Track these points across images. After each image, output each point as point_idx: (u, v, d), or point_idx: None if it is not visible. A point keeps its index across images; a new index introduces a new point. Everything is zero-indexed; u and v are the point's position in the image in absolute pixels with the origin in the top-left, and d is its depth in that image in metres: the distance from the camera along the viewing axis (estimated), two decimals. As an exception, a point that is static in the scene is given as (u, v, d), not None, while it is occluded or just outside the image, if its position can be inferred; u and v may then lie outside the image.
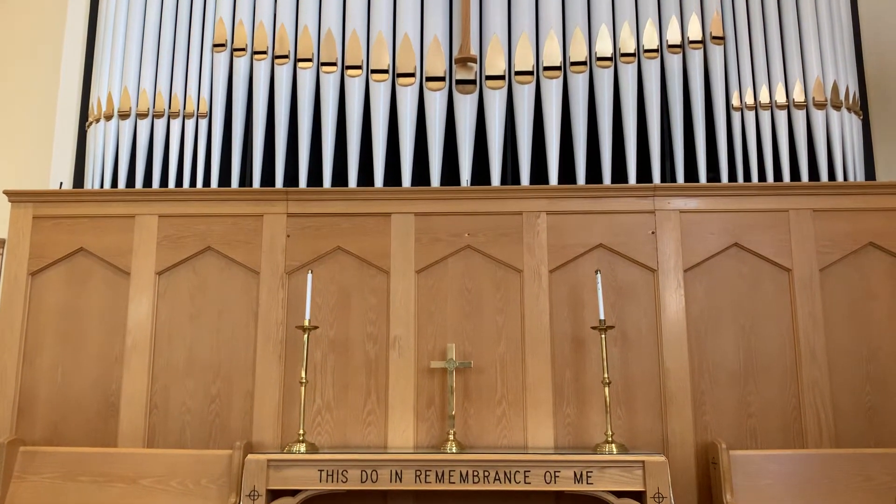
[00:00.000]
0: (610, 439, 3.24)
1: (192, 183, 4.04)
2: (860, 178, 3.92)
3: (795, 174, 3.96)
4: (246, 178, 4.06)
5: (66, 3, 4.52)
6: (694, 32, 4.03)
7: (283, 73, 4.05)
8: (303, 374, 3.40)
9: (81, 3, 4.54)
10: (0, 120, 4.88)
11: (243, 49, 4.10)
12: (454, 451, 3.28)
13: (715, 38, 4.03)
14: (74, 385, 3.64)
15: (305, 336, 3.44)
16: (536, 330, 3.57)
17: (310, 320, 3.47)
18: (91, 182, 4.02)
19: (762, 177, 3.98)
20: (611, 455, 3.14)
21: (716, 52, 4.01)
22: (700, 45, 4.01)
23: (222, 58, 4.10)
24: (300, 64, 4.05)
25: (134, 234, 3.78)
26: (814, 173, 3.97)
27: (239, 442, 3.35)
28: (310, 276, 3.52)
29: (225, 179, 4.10)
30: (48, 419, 3.61)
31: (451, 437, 3.36)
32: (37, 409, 3.62)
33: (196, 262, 3.76)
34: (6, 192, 3.84)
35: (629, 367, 3.55)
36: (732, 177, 4.00)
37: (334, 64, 4.05)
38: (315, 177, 4.06)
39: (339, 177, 4.06)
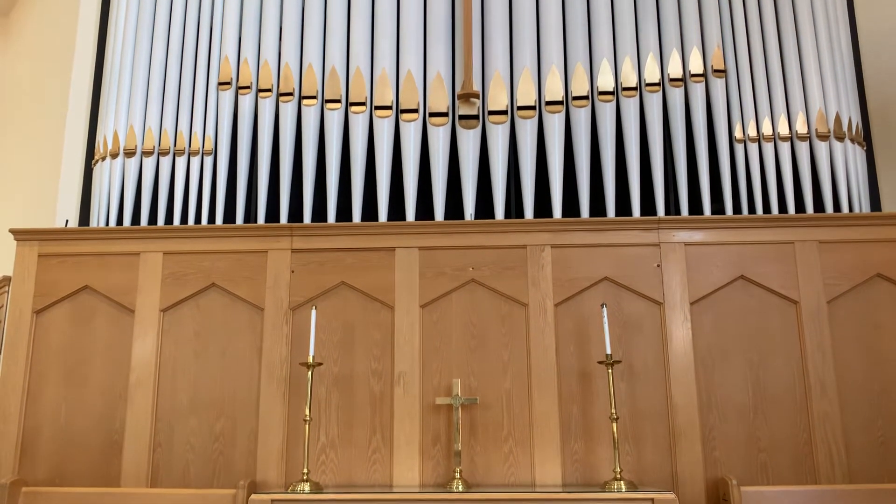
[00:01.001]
0: (618, 476, 3.19)
1: (198, 220, 4.06)
2: (865, 209, 3.91)
3: (800, 206, 3.96)
4: (250, 215, 4.08)
5: (73, 43, 4.58)
6: (695, 66, 4.05)
7: (288, 110, 4.08)
8: (307, 412, 3.37)
9: (89, 42, 4.60)
10: (7, 159, 4.93)
11: (248, 87, 4.14)
12: (460, 489, 3.23)
13: (717, 71, 4.05)
14: (78, 423, 3.62)
15: (309, 373, 3.42)
16: (543, 365, 3.54)
17: (314, 357, 3.45)
18: (97, 220, 4.04)
19: (767, 208, 3.97)
20: (619, 493, 3.08)
21: (718, 85, 4.03)
22: (702, 79, 4.04)
23: (227, 96, 4.15)
24: (305, 101, 4.09)
25: (139, 272, 3.79)
26: (819, 205, 3.96)
27: (243, 481, 3.31)
28: (314, 312, 3.51)
29: (230, 216, 4.12)
30: (51, 458, 3.58)
31: (458, 475, 3.31)
32: (40, 448, 3.60)
33: (200, 298, 3.75)
34: (12, 231, 3.86)
35: (637, 401, 3.50)
36: (737, 209, 4.00)
37: (339, 101, 4.08)
38: (319, 213, 4.07)
39: (344, 212, 4.08)
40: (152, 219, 4.09)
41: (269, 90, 4.12)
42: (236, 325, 3.70)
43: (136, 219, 4.09)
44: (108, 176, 4.09)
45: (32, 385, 3.68)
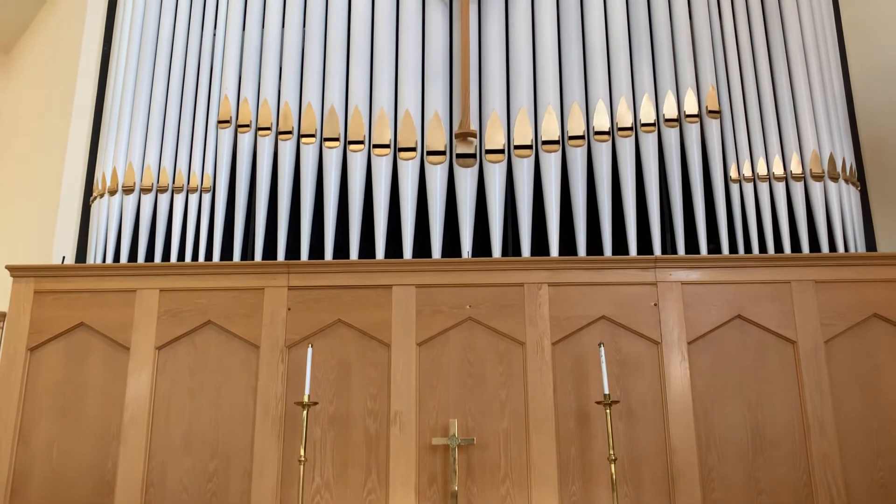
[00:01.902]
0: (617, 519, 3.15)
1: (195, 257, 4.06)
2: (861, 249, 3.93)
3: (796, 245, 3.98)
4: (248, 252, 4.08)
5: (74, 80, 4.63)
6: (690, 107, 4.10)
7: (287, 148, 4.11)
8: (302, 453, 3.33)
9: (89, 80, 4.64)
10: (6, 195, 4.93)
11: (247, 125, 4.18)
12: (457, 531, 3.18)
13: (711, 111, 4.10)
14: (70, 463, 3.57)
15: (305, 412, 3.39)
16: (540, 405, 3.52)
17: (309, 396, 3.42)
18: (93, 257, 4.04)
19: (763, 248, 3.99)
20: (618, 536, 3.04)
21: (712, 125, 4.08)
22: (697, 119, 4.08)
23: (227, 134, 4.18)
24: (303, 140, 4.12)
25: (135, 309, 3.77)
26: (814, 244, 3.98)
27: (236, 523, 3.27)
28: (310, 350, 3.49)
29: (227, 253, 4.12)
30: (42, 499, 3.52)
31: (454, 516, 3.27)
32: (30, 489, 3.54)
33: (196, 336, 3.73)
34: (8, 267, 3.85)
35: (635, 442, 3.48)
36: (733, 248, 4.01)
37: (337, 139, 4.11)
38: (317, 250, 4.08)
39: (341, 250, 4.08)
40: (149, 256, 4.09)
41: (269, 128, 4.15)
42: (232, 363, 3.68)
43: (133, 256, 4.09)
44: (105, 213, 4.09)
45: (25, 424, 3.64)
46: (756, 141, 4.08)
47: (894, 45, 4.43)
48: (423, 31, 4.30)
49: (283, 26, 4.39)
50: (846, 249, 3.91)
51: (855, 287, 3.63)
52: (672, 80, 4.18)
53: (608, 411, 3.34)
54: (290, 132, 4.15)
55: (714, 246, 4.04)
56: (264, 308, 3.73)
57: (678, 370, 3.55)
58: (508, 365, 3.60)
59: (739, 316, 3.62)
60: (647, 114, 4.10)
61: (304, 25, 4.38)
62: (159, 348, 3.71)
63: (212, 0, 4.50)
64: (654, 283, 3.68)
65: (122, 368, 3.69)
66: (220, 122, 4.20)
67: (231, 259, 4.05)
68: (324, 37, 4.34)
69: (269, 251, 4.09)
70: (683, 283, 3.67)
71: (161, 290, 3.79)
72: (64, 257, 4.21)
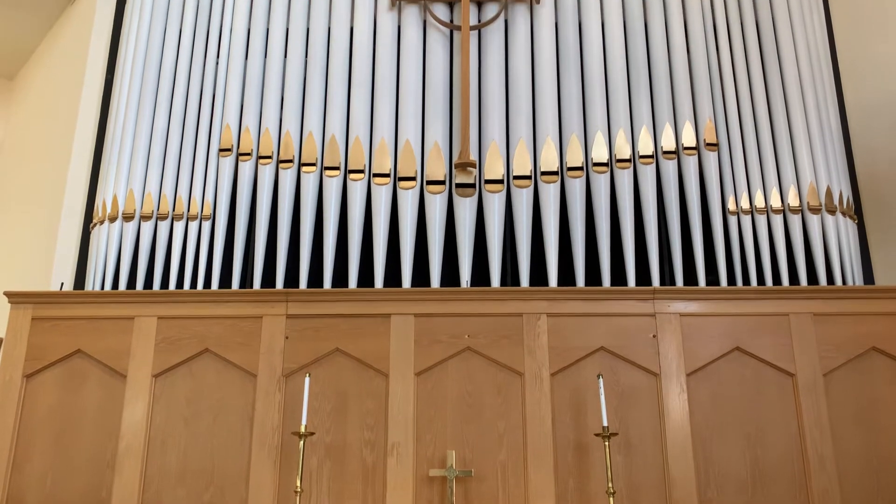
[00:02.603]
0: (616, 553, 3.12)
1: (193, 285, 4.06)
2: (858, 281, 3.94)
3: (794, 278, 3.99)
4: (247, 280, 4.08)
5: (76, 108, 4.66)
6: (688, 139, 4.14)
7: (288, 177, 4.13)
8: (298, 483, 3.30)
9: (92, 107, 4.68)
10: (6, 221, 4.94)
11: (249, 154, 4.20)
12: (454, 565, 3.15)
13: (709, 144, 4.13)
14: (64, 491, 3.53)
15: (301, 442, 3.36)
16: (538, 436, 3.49)
17: (306, 426, 3.40)
18: (92, 284, 4.04)
19: (761, 280, 3.99)
20: (617, 571, 3.01)
21: (710, 157, 4.11)
22: (694, 152, 4.11)
23: (227, 162, 4.20)
24: (304, 168, 4.14)
25: (132, 336, 3.76)
26: (812, 277, 3.99)
27: (230, 555, 3.23)
28: (307, 379, 3.48)
29: (226, 281, 4.12)
30: (33, 528, 3.49)
31: (451, 550, 3.23)
32: (22, 518, 3.51)
33: (193, 364, 3.72)
34: (6, 294, 3.84)
35: (633, 475, 3.45)
36: (731, 280, 4.02)
37: (337, 168, 4.14)
38: (316, 278, 4.08)
39: (340, 278, 4.08)
40: (148, 283, 4.09)
41: (270, 157, 4.18)
42: (228, 392, 3.66)
43: (131, 283, 4.08)
44: (105, 239, 4.10)
45: (19, 451, 3.61)
46: (754, 173, 4.11)
47: (889, 81, 4.48)
48: (424, 62, 4.35)
49: (285, 56, 4.43)
50: (844, 282, 3.92)
51: (853, 320, 3.63)
52: (670, 113, 4.21)
53: (607, 444, 3.32)
54: (290, 161, 4.17)
55: (712, 277, 4.05)
56: (262, 336, 3.72)
57: (677, 402, 3.53)
58: (507, 396, 3.58)
59: (738, 348, 3.62)
60: (645, 146, 4.13)
61: (306, 55, 4.42)
62: (156, 376, 3.69)
63: (215, 30, 4.56)
64: (652, 315, 3.68)
65: (119, 396, 3.67)
66: (221, 150, 4.23)
67: (230, 287, 4.05)
68: (326, 67, 4.39)
69: (268, 279, 4.09)
70: (682, 315, 3.67)
71: (159, 318, 3.78)
72: (62, 284, 4.21)
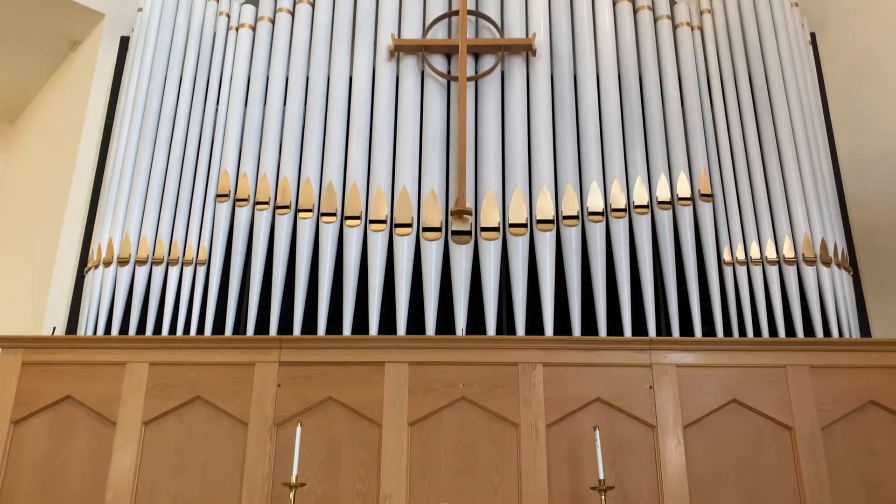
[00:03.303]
0: None
1: (187, 330, 4.03)
2: (855, 334, 3.93)
3: (790, 329, 3.97)
4: (240, 326, 4.05)
5: (76, 151, 4.67)
6: (683, 190, 4.17)
7: (284, 222, 4.14)
8: (288, 536, 3.23)
9: (91, 151, 4.70)
10: (1, 264, 4.92)
11: (246, 199, 4.21)
12: None
13: (703, 195, 4.16)
14: (47, 542, 3.45)
15: (292, 494, 3.30)
16: (534, 489, 3.43)
17: (297, 476, 3.33)
18: (84, 328, 4.00)
19: (757, 331, 3.98)
20: None
21: (705, 208, 4.13)
22: (689, 202, 4.14)
23: (224, 207, 4.21)
24: (301, 214, 4.15)
25: (124, 382, 3.71)
26: (808, 329, 3.97)
27: None
28: (298, 429, 3.43)
29: (219, 327, 4.09)
30: (14, 581, 3.39)
31: None
32: (3, 570, 3.41)
33: (184, 411, 3.67)
34: (-3, 338, 3.81)
35: (630, 530, 3.38)
36: (727, 331, 4.00)
37: (334, 214, 4.15)
38: (310, 325, 4.06)
39: (334, 324, 4.06)
40: (141, 328, 4.05)
41: (267, 203, 4.19)
42: (219, 441, 3.60)
43: (124, 328, 4.05)
44: (99, 284, 4.08)
45: (4, 499, 3.53)
46: (748, 224, 4.13)
47: (881, 134, 4.54)
48: (422, 111, 4.40)
49: (284, 103, 4.48)
50: (840, 334, 3.91)
51: (850, 373, 3.60)
52: (665, 164, 4.25)
53: (603, 497, 3.26)
54: (287, 207, 4.18)
55: (708, 328, 4.03)
56: (254, 384, 3.68)
57: (674, 455, 3.48)
58: (502, 447, 3.53)
59: (735, 400, 3.58)
60: (640, 196, 4.16)
61: (305, 103, 4.47)
62: (146, 423, 3.64)
63: (215, 76, 4.61)
64: (648, 366, 3.65)
65: (108, 443, 3.60)
66: (218, 195, 4.24)
67: (223, 333, 4.03)
68: (324, 114, 4.43)
69: (262, 325, 4.06)
70: (678, 366, 3.65)
71: (151, 364, 3.74)
72: (54, 328, 4.18)
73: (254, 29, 4.75)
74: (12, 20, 4.95)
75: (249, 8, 4.81)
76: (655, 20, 4.71)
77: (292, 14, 4.75)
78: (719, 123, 4.40)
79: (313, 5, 4.75)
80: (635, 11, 4.72)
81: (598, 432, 3.39)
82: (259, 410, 3.62)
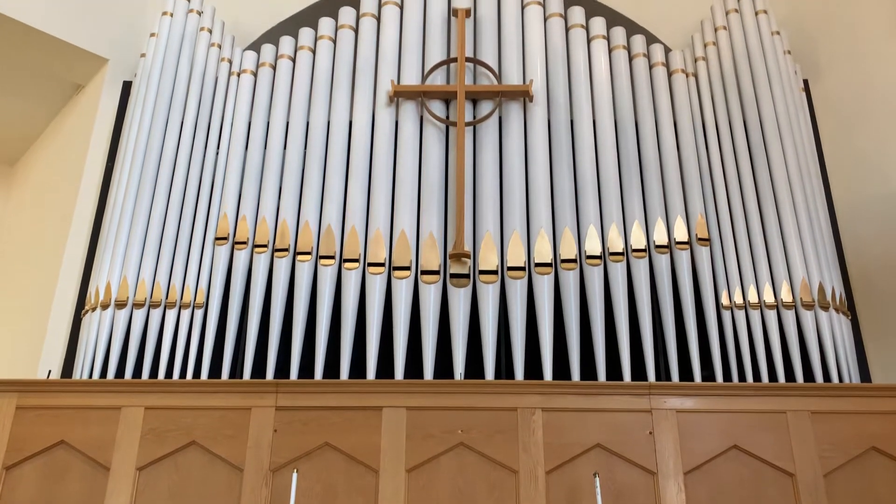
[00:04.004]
0: None
1: (183, 374, 4.00)
2: (855, 379, 3.91)
3: (790, 374, 3.96)
4: (237, 370, 4.03)
5: (75, 195, 4.70)
6: (680, 234, 4.19)
7: (282, 265, 4.15)
8: (282, 586, 3.16)
9: (90, 194, 4.73)
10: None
11: (244, 242, 4.23)
12: None
13: (701, 239, 4.19)
14: None
15: (288, 542, 3.24)
16: (533, 538, 3.38)
17: (293, 524, 3.28)
18: (80, 372, 3.97)
19: (757, 376, 3.97)
20: None
21: (703, 252, 4.15)
22: (687, 246, 4.16)
23: (223, 250, 4.22)
24: (299, 257, 4.16)
25: (118, 427, 3.66)
26: (808, 373, 3.96)
27: None
28: (294, 476, 3.38)
29: (215, 371, 4.06)
30: None
31: None
32: None
33: (179, 457, 3.61)
34: (-8, 382, 3.77)
35: (632, 580, 3.32)
36: (727, 375, 3.99)
37: (332, 257, 4.16)
38: (307, 369, 4.03)
39: (332, 368, 4.03)
40: (137, 372, 4.03)
41: (265, 246, 4.20)
42: (214, 487, 3.54)
43: (120, 371, 4.02)
44: (96, 327, 4.06)
45: (-8, 548, 3.47)
46: (746, 269, 4.14)
47: (876, 179, 4.59)
48: (420, 155, 4.45)
49: (284, 147, 4.53)
50: (840, 379, 3.89)
51: (852, 419, 3.57)
52: (662, 208, 4.29)
53: (604, 547, 3.21)
54: (286, 249, 4.19)
55: (708, 373, 4.01)
56: (250, 429, 3.64)
57: (675, 502, 3.43)
58: (501, 494, 3.48)
59: (736, 446, 3.54)
60: (637, 240, 4.18)
61: (305, 147, 4.52)
62: (140, 469, 3.58)
63: (216, 120, 4.67)
64: (648, 411, 3.63)
65: (101, 489, 3.54)
66: (217, 238, 4.26)
67: (219, 377, 4.00)
68: (324, 158, 4.48)
69: (259, 369, 4.03)
70: (678, 411, 3.62)
71: (146, 408, 3.70)
72: (50, 371, 4.15)
73: (255, 74, 4.82)
74: (16, 64, 5.01)
75: (251, 54, 4.89)
76: (651, 67, 4.79)
77: (293, 60, 4.82)
78: (715, 168, 4.45)
79: (314, 52, 4.83)
80: (631, 59, 4.81)
81: (598, 479, 3.35)
82: (255, 456, 3.57)
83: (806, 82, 5.05)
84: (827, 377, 3.91)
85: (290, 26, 5.07)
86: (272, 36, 5.06)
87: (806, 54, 5.15)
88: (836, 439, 3.54)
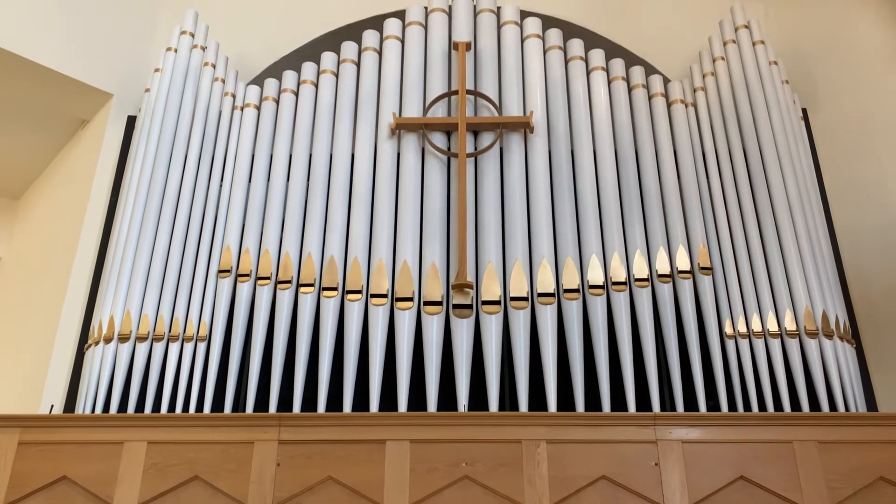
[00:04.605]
0: None
1: (186, 407, 3.99)
2: (861, 407, 3.88)
3: (795, 403, 3.93)
4: (240, 403, 4.01)
5: (79, 229, 4.72)
6: (682, 263, 4.19)
7: (285, 297, 4.15)
8: None
9: (94, 229, 4.75)
10: (1, 341, 4.90)
11: (247, 275, 4.24)
12: None
13: (703, 268, 4.19)
14: None
15: (291, 579, 3.20)
16: (539, 573, 3.33)
17: (296, 561, 3.25)
18: (83, 406, 3.96)
19: (762, 405, 3.94)
20: None
21: (705, 281, 4.15)
22: (689, 275, 4.16)
23: (226, 283, 4.23)
24: (302, 289, 4.17)
25: (121, 462, 3.63)
26: (814, 402, 3.93)
27: None
28: (299, 510, 3.35)
29: (219, 404, 4.05)
30: None
31: None
32: None
33: (181, 492, 3.58)
34: (-6, 417, 3.76)
35: None
36: (732, 405, 3.96)
37: (335, 289, 4.16)
38: (310, 401, 4.01)
39: (335, 401, 4.01)
40: (140, 406, 4.01)
41: (268, 278, 4.21)
42: (216, 523, 3.51)
43: (123, 405, 4.01)
44: (99, 361, 4.06)
45: (-8, 587, 3.43)
46: (749, 297, 4.14)
47: (877, 208, 4.60)
48: (422, 186, 4.47)
49: (287, 180, 4.56)
50: (846, 408, 3.86)
51: (859, 448, 3.54)
52: (663, 237, 4.30)
53: (611, 581, 3.16)
54: (289, 281, 4.20)
55: (713, 402, 3.99)
56: (253, 463, 3.61)
57: (682, 535, 3.39)
58: (506, 528, 3.44)
59: (742, 477, 3.50)
60: (640, 269, 4.18)
61: (308, 179, 4.55)
62: (142, 505, 3.56)
63: (219, 155, 4.71)
64: (654, 442, 3.59)
65: (101, 527, 3.52)
66: (220, 271, 4.27)
67: (222, 410, 3.98)
68: (327, 190, 4.51)
69: (262, 402, 4.02)
70: (684, 442, 3.59)
71: (149, 443, 3.68)
72: (52, 406, 4.13)
73: (258, 108, 4.87)
74: (22, 99, 5.07)
75: (254, 88, 4.94)
76: (650, 98, 4.84)
77: (296, 94, 4.88)
78: (716, 197, 4.46)
79: (317, 86, 4.89)
80: (630, 90, 4.86)
81: (604, 512, 3.31)
82: (258, 490, 3.54)
83: (805, 111, 5.09)
84: (833, 406, 3.89)
85: (293, 61, 5.14)
86: (275, 70, 5.13)
87: (804, 84, 5.20)
88: (843, 469, 3.50)
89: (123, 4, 5.40)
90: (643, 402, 3.99)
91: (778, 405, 3.93)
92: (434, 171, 4.50)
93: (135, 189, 4.52)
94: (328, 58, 4.96)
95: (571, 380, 3.94)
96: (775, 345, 4.00)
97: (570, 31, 5.17)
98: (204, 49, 5.00)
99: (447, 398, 4.01)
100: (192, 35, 5.00)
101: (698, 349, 3.99)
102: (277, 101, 4.88)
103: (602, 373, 3.93)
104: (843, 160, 4.86)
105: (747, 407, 3.92)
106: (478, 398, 3.99)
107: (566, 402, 3.99)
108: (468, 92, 4.69)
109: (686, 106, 4.84)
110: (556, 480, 3.51)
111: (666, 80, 4.97)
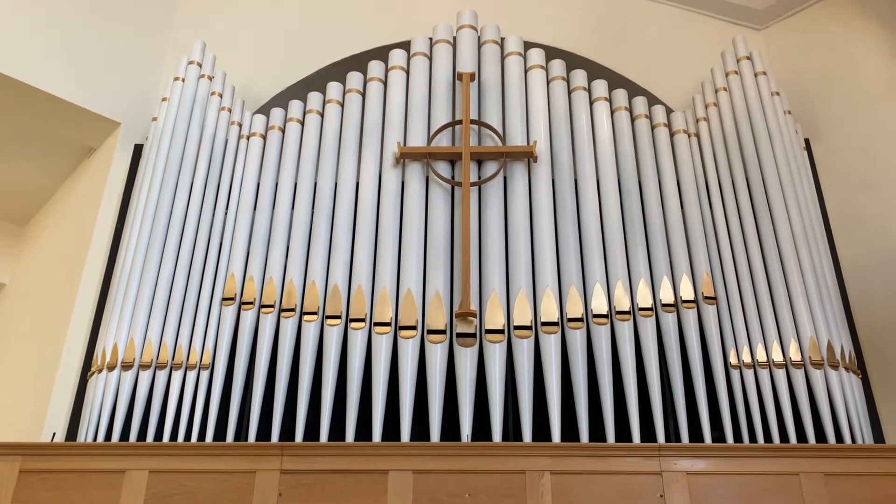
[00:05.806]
0: None
1: (188, 436, 3.96)
2: (868, 439, 3.85)
3: (801, 433, 3.89)
4: (242, 432, 3.99)
5: (84, 256, 4.74)
6: (686, 292, 4.19)
7: (289, 325, 4.15)
8: None
9: (99, 258, 4.76)
10: (3, 368, 4.90)
11: (251, 303, 4.24)
12: None
13: (707, 298, 4.18)
14: None
15: None
16: None
17: None
18: (85, 434, 3.94)
19: (767, 436, 3.91)
20: None
21: (709, 311, 4.14)
22: (693, 305, 4.15)
23: (230, 311, 4.23)
24: (306, 317, 4.17)
25: (122, 491, 3.61)
26: (819, 433, 3.90)
27: None
28: (301, 541, 3.32)
29: (221, 432, 4.02)
30: None
31: None
32: None
33: (182, 522, 3.56)
34: (-5, 445, 3.74)
35: None
36: (737, 436, 3.93)
37: (339, 317, 4.16)
38: (312, 430, 3.98)
39: (337, 430, 3.98)
40: (142, 434, 3.99)
41: (272, 306, 4.21)
42: (217, 554, 3.47)
43: (125, 434, 3.99)
44: (102, 388, 4.05)
45: None
46: (754, 327, 4.12)
47: (881, 238, 4.60)
48: (426, 215, 4.49)
49: (292, 208, 4.58)
50: (853, 440, 3.83)
51: (866, 481, 3.50)
52: (667, 267, 4.29)
53: None
54: (292, 309, 4.20)
55: (718, 433, 3.96)
56: (255, 493, 3.58)
57: (688, 569, 3.35)
58: (509, 561, 3.40)
59: (749, 510, 3.48)
60: (644, 298, 4.18)
61: (312, 208, 4.57)
62: (142, 535, 3.53)
63: (225, 183, 4.74)
64: (659, 473, 3.56)
65: (101, 557, 3.48)
66: (224, 299, 4.27)
67: (224, 439, 3.96)
68: (331, 219, 4.52)
69: (264, 430, 3.99)
70: (689, 473, 3.55)
71: (150, 472, 3.65)
72: (54, 434, 4.12)
73: (264, 137, 4.91)
74: (30, 127, 5.12)
75: (260, 117, 4.99)
76: (653, 128, 4.87)
77: (302, 123, 4.92)
78: (719, 227, 4.47)
79: (322, 115, 4.93)
80: (633, 120, 4.89)
81: (608, 545, 3.27)
82: (259, 521, 3.51)
83: (807, 141, 5.12)
84: (839, 437, 3.85)
85: (299, 90, 5.19)
86: (281, 100, 5.18)
87: (806, 114, 5.23)
88: (851, 502, 3.46)
89: (132, 34, 5.48)
90: (647, 433, 3.95)
91: (784, 436, 3.90)
92: (438, 200, 4.52)
93: (140, 217, 4.55)
94: (334, 88, 5.02)
95: (575, 410, 3.91)
96: (780, 375, 3.98)
97: (573, 61, 5.22)
98: (211, 79, 5.06)
99: (450, 428, 3.98)
100: (200, 65, 5.06)
101: (703, 379, 3.97)
102: (283, 130, 4.92)
103: (606, 403, 3.90)
104: (846, 190, 4.87)
105: (752, 438, 3.89)
106: (481, 428, 3.96)
107: (570, 432, 3.96)
108: (472, 122, 4.73)
109: (689, 136, 4.87)
110: (560, 512, 3.48)
111: (669, 111, 5.01)
